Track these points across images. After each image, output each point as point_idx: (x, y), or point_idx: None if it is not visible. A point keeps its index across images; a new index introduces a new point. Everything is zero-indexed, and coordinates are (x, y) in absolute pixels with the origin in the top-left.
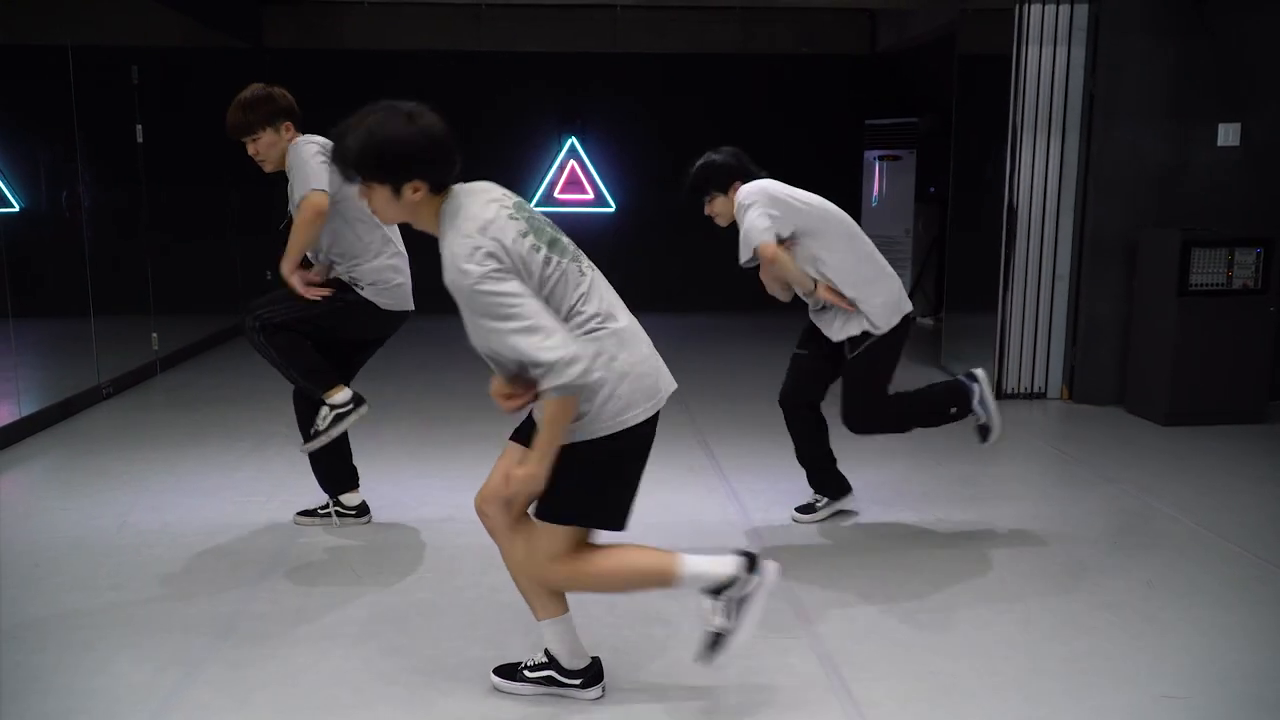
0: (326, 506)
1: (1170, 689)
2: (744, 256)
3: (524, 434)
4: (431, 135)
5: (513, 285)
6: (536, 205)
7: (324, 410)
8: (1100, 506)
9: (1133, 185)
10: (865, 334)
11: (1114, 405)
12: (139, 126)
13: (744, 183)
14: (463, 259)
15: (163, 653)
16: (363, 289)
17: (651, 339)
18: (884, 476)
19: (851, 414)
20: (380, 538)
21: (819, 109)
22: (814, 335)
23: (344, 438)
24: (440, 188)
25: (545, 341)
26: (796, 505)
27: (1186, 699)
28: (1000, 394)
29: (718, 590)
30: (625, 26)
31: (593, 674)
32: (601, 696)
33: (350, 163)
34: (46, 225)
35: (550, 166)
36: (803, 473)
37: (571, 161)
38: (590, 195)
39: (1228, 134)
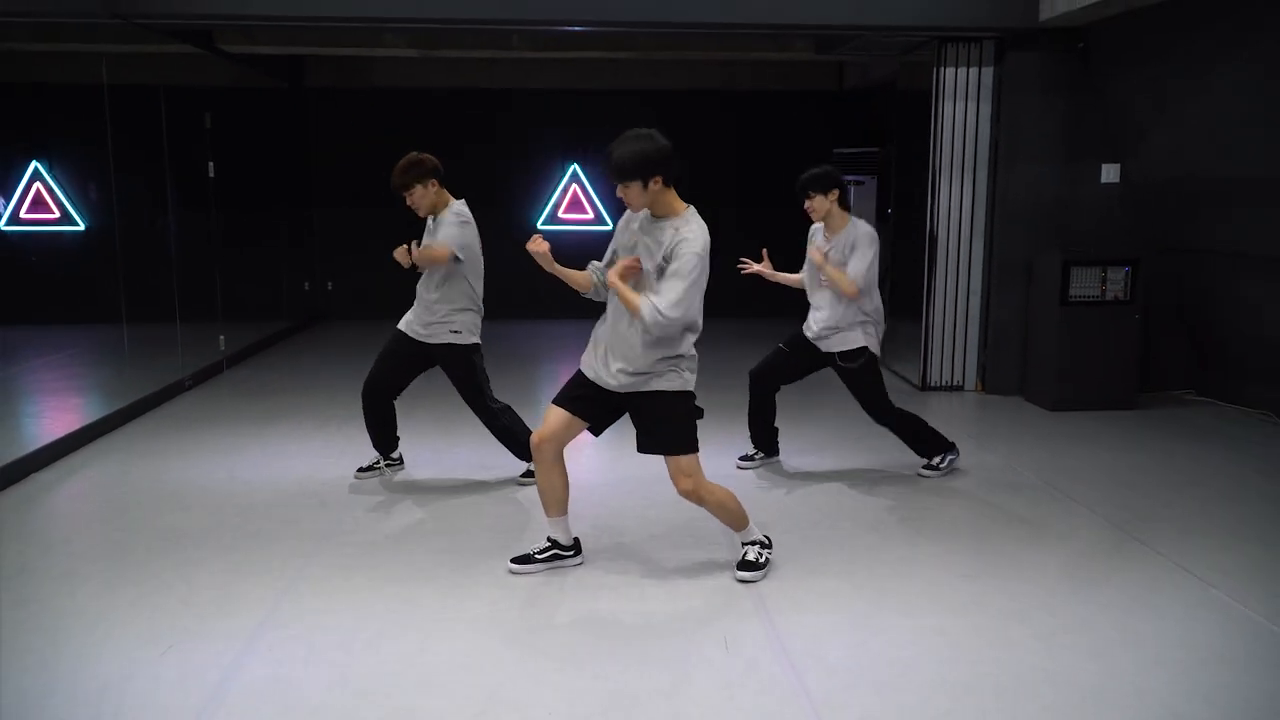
0: (378, 462)
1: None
2: (859, 284)
3: (565, 400)
4: (667, 148)
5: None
6: (543, 224)
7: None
8: (975, 470)
9: (1032, 215)
10: (863, 349)
11: (1017, 395)
12: (211, 163)
13: (841, 191)
14: (703, 240)
15: (282, 551)
16: (458, 332)
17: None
18: (830, 437)
19: (871, 410)
20: (424, 484)
21: (794, 138)
22: (801, 342)
23: (391, 411)
24: (670, 182)
25: (682, 298)
26: (740, 455)
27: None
28: (925, 386)
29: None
30: (625, 69)
31: (579, 547)
32: (582, 562)
33: (624, 169)
34: (139, 242)
35: (555, 189)
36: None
37: (574, 185)
38: (590, 215)
39: (1109, 173)
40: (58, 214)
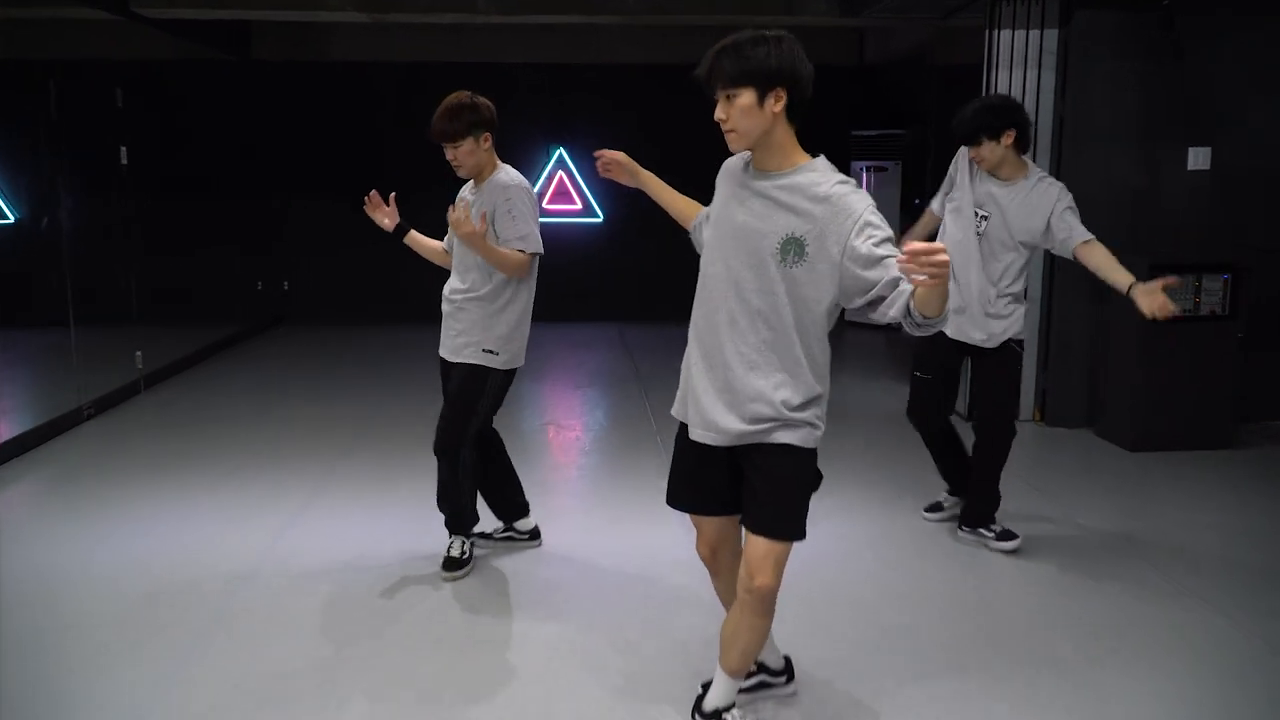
0: (500, 531)
1: None
2: (1075, 242)
3: (690, 489)
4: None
5: None
6: None
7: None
8: (1034, 535)
9: (1102, 209)
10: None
11: (1085, 428)
12: (124, 148)
13: (1019, 131)
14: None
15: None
16: (495, 353)
17: (642, 350)
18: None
19: (997, 416)
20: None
21: (806, 119)
22: (944, 351)
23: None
24: (795, 111)
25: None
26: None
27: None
28: (971, 413)
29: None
30: (609, 40)
31: (791, 669)
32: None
33: (755, 70)
34: (31, 240)
35: (539, 177)
36: None
37: (560, 172)
38: (579, 205)
39: (1197, 158)
40: None
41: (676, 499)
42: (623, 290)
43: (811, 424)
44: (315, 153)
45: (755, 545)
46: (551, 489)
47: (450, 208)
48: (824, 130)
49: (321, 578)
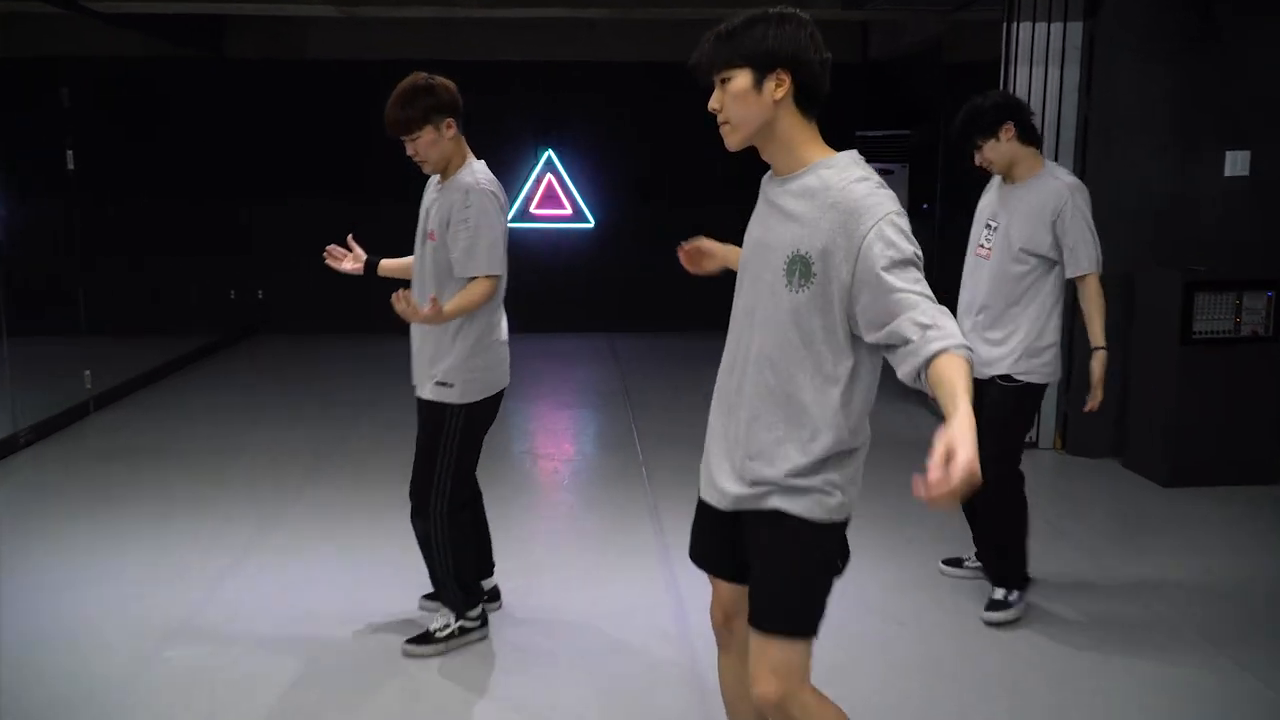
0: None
1: None
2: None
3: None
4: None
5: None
6: (512, 221)
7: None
8: (1056, 594)
9: (1132, 218)
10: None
11: (1111, 458)
12: (70, 152)
13: (1019, 123)
14: (902, 228)
15: None
16: (449, 385)
17: (632, 363)
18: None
19: (1003, 460)
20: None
21: (824, 111)
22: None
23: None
24: (807, 100)
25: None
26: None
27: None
28: None
29: None
30: (600, 36)
31: None
32: None
33: (750, 50)
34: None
35: (526, 180)
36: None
37: (548, 175)
38: (569, 210)
39: (1236, 162)
40: None
41: (693, 554)
42: (614, 299)
43: (823, 491)
44: (293, 155)
45: (753, 643)
46: (523, 537)
47: (394, 297)
48: (825, 131)
49: (259, 640)
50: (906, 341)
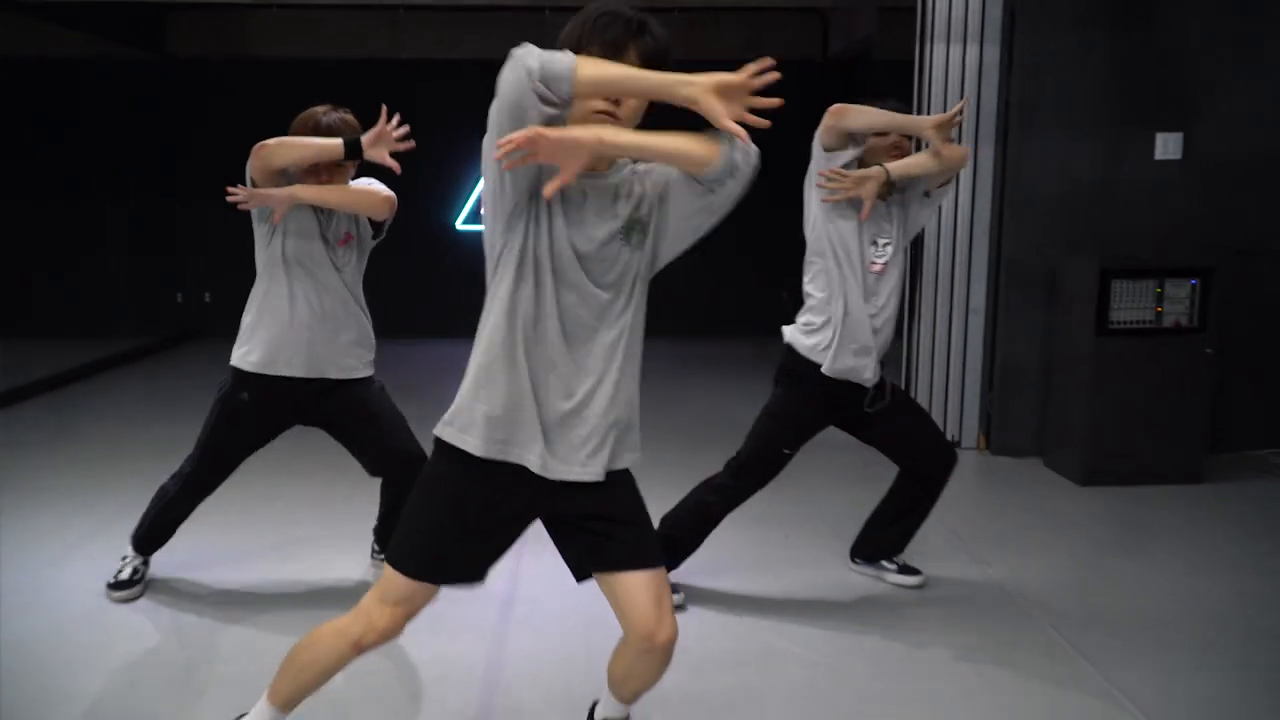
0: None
1: None
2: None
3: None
4: None
5: None
6: (463, 224)
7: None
8: (965, 599)
9: (1056, 205)
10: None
11: (1035, 457)
12: None
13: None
14: None
15: None
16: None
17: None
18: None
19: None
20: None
21: (767, 117)
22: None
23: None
24: None
25: None
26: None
27: None
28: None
29: None
30: (554, 29)
31: None
32: None
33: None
34: None
35: (477, 182)
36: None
37: None
38: None
39: (1167, 145)
40: None
41: None
42: None
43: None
44: (240, 155)
45: (653, 587)
46: None
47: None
48: (788, 133)
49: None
50: None
